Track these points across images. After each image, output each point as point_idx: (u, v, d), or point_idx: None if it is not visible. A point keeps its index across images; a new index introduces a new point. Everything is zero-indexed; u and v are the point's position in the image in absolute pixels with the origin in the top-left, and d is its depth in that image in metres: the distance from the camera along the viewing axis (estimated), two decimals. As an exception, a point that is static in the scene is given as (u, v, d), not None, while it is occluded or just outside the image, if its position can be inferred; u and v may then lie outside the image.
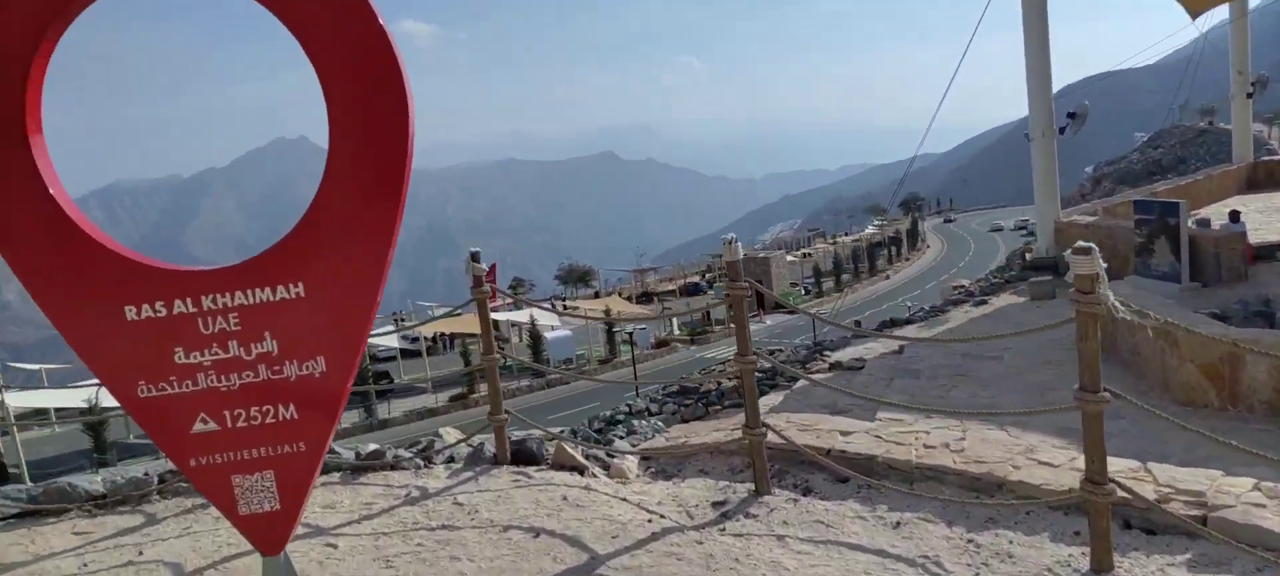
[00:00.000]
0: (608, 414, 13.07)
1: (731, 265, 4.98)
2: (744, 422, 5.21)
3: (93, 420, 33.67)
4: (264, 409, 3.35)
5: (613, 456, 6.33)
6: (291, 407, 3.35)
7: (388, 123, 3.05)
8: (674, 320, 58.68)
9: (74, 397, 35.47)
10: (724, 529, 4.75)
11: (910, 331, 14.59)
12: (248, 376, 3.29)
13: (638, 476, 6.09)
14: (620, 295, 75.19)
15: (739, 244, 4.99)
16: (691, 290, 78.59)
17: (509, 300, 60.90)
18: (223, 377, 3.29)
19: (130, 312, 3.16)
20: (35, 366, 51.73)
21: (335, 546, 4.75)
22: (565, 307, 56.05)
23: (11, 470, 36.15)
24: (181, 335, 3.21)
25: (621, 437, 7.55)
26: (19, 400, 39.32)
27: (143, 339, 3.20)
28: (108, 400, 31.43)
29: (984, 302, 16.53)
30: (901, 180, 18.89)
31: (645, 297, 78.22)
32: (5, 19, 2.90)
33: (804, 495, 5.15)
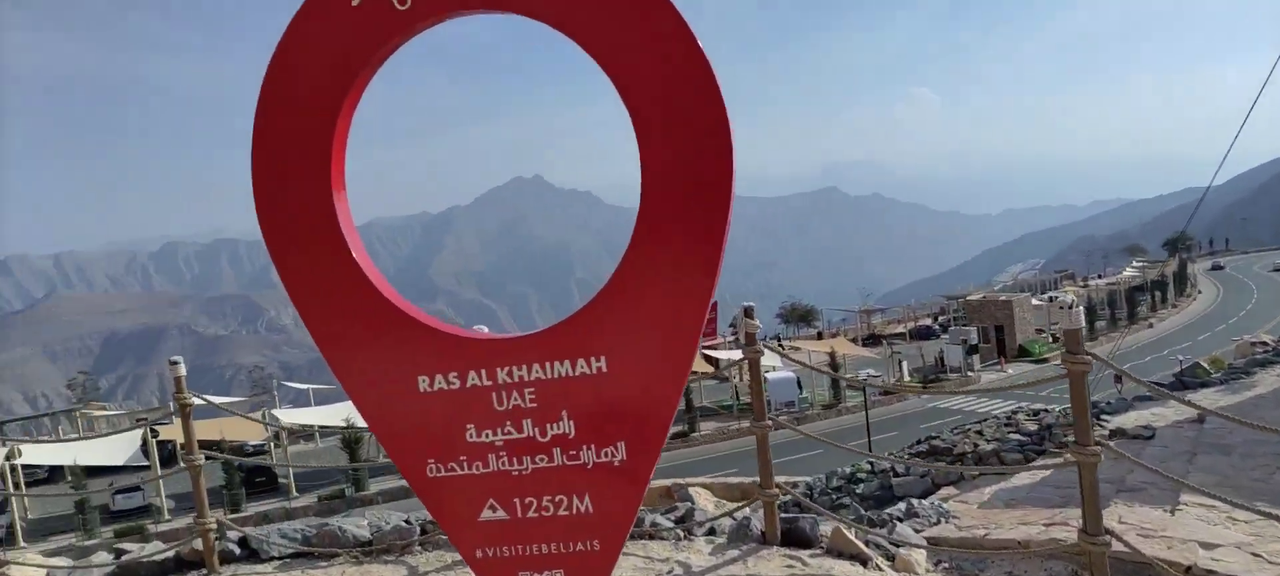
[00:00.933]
0: (848, 470, 12.12)
1: (1071, 333, 4.11)
2: (1081, 527, 4.28)
3: (349, 437, 36.77)
4: (557, 498, 2.96)
5: (897, 546, 5.55)
6: (587, 499, 2.94)
7: (709, 175, 2.59)
8: (903, 364, 55.72)
9: (335, 415, 38.83)
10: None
11: (1206, 395, 12.52)
12: (541, 460, 2.92)
13: (928, 571, 5.28)
14: (845, 337, 72.76)
15: (1079, 310, 4.11)
16: (922, 333, 74.57)
17: (730, 339, 60.75)
18: (515, 460, 2.94)
19: (423, 383, 2.89)
20: (304, 386, 57.23)
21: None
22: (782, 346, 54.89)
23: (280, 480, 40.24)
24: (474, 410, 2.90)
25: (900, 519, 6.70)
26: (289, 416, 43.65)
27: (435, 413, 2.92)
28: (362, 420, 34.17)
29: (1302, 363, 14.00)
30: (1193, 211, 16.47)
31: (872, 340, 75.15)
32: (309, 68, 2.73)
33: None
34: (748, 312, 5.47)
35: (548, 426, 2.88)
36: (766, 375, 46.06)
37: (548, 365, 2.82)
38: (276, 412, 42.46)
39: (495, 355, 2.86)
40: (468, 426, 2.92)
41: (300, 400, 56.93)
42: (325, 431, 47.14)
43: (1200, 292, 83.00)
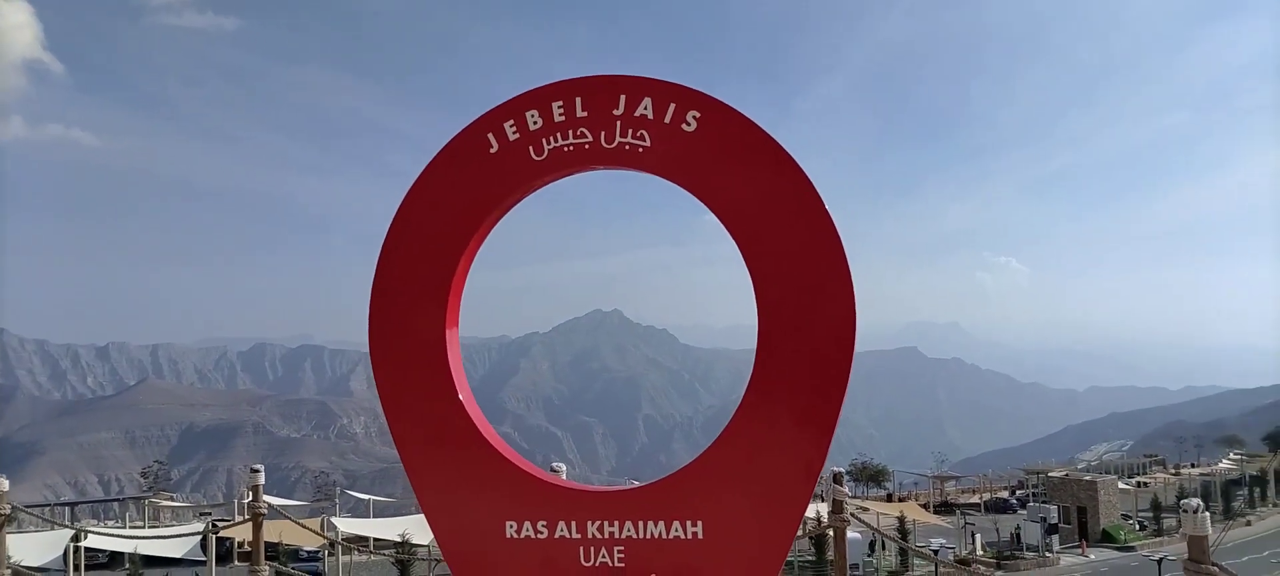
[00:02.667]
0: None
1: (1196, 541, 3.81)
2: None
3: (403, 556, 36.35)
4: (638, 667, 2.79)
5: None
6: (668, 672, 2.76)
7: (830, 341, 2.51)
8: (977, 537, 52.98)
9: (392, 529, 38.55)
10: None
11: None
12: (624, 624, 2.77)
13: None
14: (916, 501, 69.89)
15: (1207, 518, 3.81)
16: (999, 506, 71.14)
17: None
18: (597, 621, 2.80)
19: (511, 529, 2.81)
20: (366, 496, 57.32)
21: None
22: (860, 508, 53.01)
23: (334, 591, 39.82)
24: (559, 564, 2.79)
25: None
26: (346, 525, 43.60)
27: (519, 561, 2.82)
28: (420, 537, 33.77)
29: None
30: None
31: (945, 508, 71.96)
32: (442, 206, 2.79)
33: None
34: (837, 480, 5.28)
35: (635, 589, 2.74)
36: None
37: (641, 524, 2.70)
38: (335, 520, 42.51)
39: (587, 507, 2.76)
40: (552, 580, 2.80)
41: (360, 510, 57.02)
42: (381, 544, 46.84)
43: (1306, 493, 77.57)
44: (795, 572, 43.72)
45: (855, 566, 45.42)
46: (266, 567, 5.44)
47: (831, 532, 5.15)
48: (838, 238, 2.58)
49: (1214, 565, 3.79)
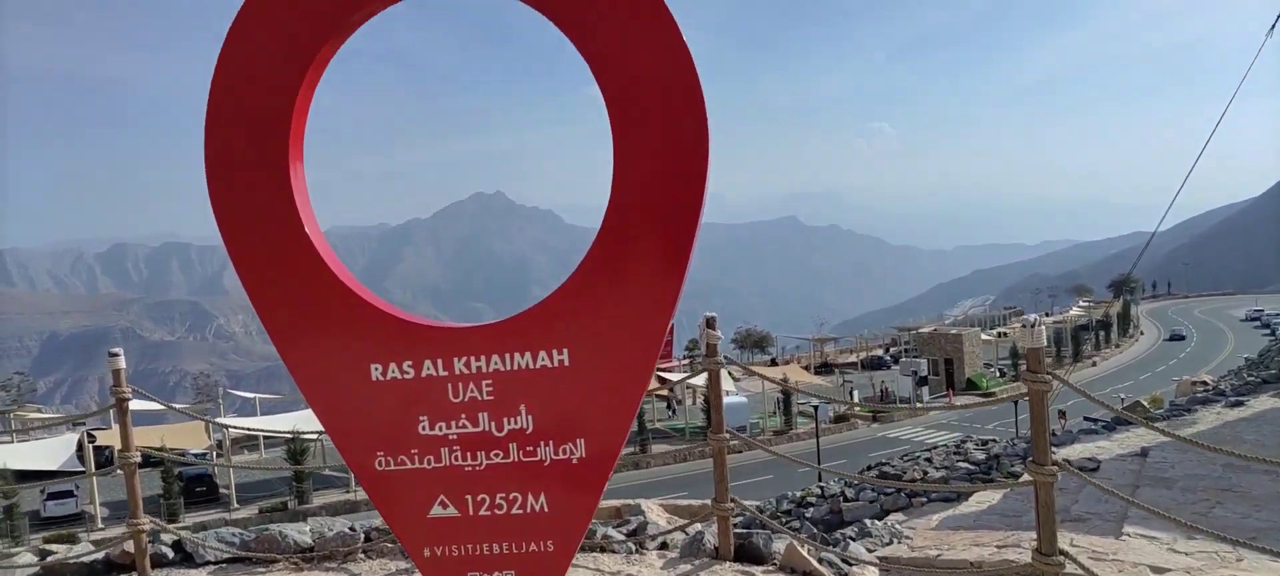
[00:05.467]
0: (798, 494, 12.13)
1: (1033, 353, 4.12)
2: (1035, 548, 4.27)
3: (295, 448, 35.91)
4: (511, 496, 2.85)
5: (850, 564, 5.51)
6: (542, 498, 2.83)
7: (683, 165, 2.53)
8: (855, 394, 56.22)
9: (281, 425, 37.89)
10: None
11: (1148, 433, 12.77)
12: (496, 456, 2.81)
13: (881, 588, 5.23)
14: (798, 364, 73.18)
15: (1042, 329, 4.12)
16: (874, 364, 75.37)
17: (685, 362, 60.81)
18: (469, 456, 2.82)
19: (376, 371, 2.77)
20: (251, 394, 55.87)
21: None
22: (745, 372, 55.16)
23: (222, 490, 39.17)
24: (428, 401, 2.78)
25: (853, 539, 6.67)
26: (234, 425, 42.61)
27: (386, 403, 2.79)
28: (308, 427, 33.38)
29: (1239, 403, 14.35)
30: (1139, 255, 16.86)
31: (825, 368, 75.71)
32: (275, 30, 2.61)
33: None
34: (710, 323, 5.40)
35: (505, 420, 2.77)
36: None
37: (507, 356, 2.72)
38: (220, 419, 41.40)
39: (452, 344, 2.75)
40: (421, 418, 2.80)
41: (246, 409, 55.57)
42: (270, 441, 46.04)
43: (1142, 334, 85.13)
44: (687, 437, 45.53)
45: (742, 428, 47.56)
46: (135, 453, 5.24)
47: (707, 375, 5.32)
48: (684, 47, 2.56)
49: (1048, 372, 4.09)
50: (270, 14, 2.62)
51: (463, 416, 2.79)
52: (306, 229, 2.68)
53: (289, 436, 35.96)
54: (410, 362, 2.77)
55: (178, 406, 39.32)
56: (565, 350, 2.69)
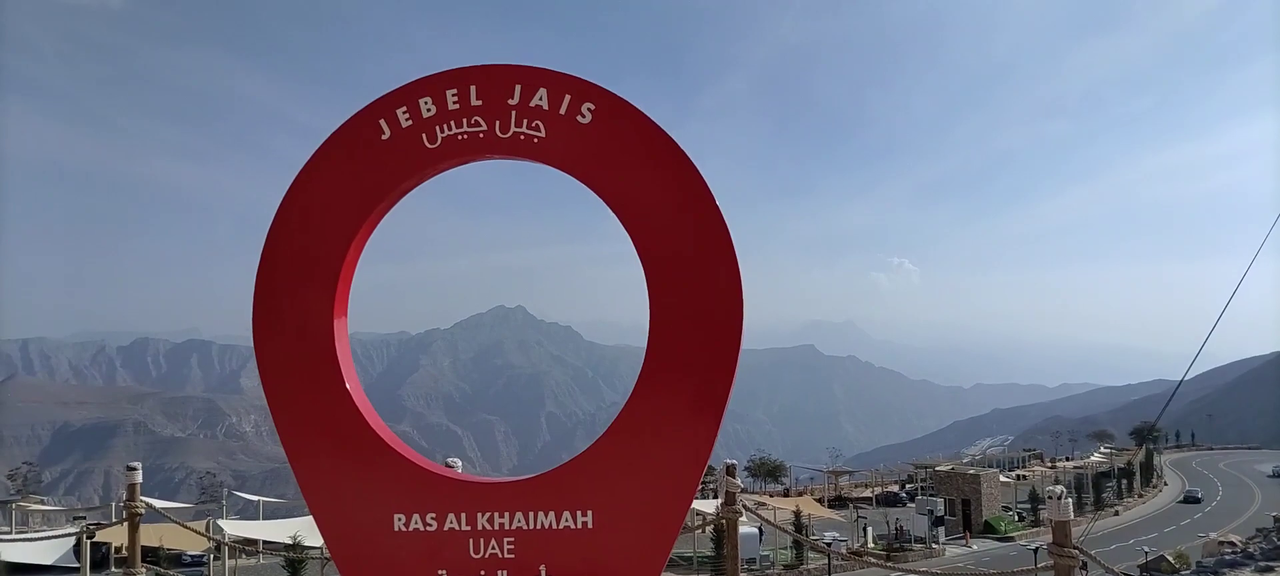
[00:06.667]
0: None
1: (1060, 525, 4.04)
2: None
3: (294, 557, 35.14)
4: (526, 658, 2.78)
5: None
6: (557, 662, 2.77)
7: (719, 332, 2.57)
8: (868, 530, 54.83)
9: (282, 531, 37.24)
10: None
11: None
12: (514, 617, 2.76)
13: None
14: (812, 496, 71.76)
15: (1069, 502, 4.06)
16: (889, 500, 73.78)
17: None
18: (486, 614, 2.77)
19: (399, 522, 2.77)
20: (255, 497, 55.16)
21: None
22: (757, 503, 54.05)
23: (222, 595, 38.26)
24: (448, 556, 2.76)
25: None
26: (234, 527, 41.90)
27: (407, 555, 2.77)
28: (311, 539, 32.76)
29: (1269, 569, 13.94)
30: (1166, 403, 16.63)
31: (838, 502, 74.13)
32: (332, 192, 2.73)
33: None
34: (729, 471, 5.36)
35: (525, 580, 2.73)
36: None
37: (531, 515, 2.71)
38: (222, 522, 40.85)
39: (477, 499, 2.75)
40: (439, 572, 2.78)
41: (249, 512, 54.82)
42: (270, 548, 45.17)
43: (1166, 484, 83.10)
44: (695, 567, 44.33)
45: (752, 561, 46.37)
46: (143, 570, 5.17)
47: (725, 524, 5.25)
48: (727, 231, 2.65)
49: (1075, 548, 4.01)
50: (328, 177, 2.74)
51: (482, 572, 2.76)
52: (347, 384, 2.73)
53: (288, 544, 35.32)
54: (434, 515, 2.77)
55: (177, 506, 38.92)
56: (590, 512, 2.68)
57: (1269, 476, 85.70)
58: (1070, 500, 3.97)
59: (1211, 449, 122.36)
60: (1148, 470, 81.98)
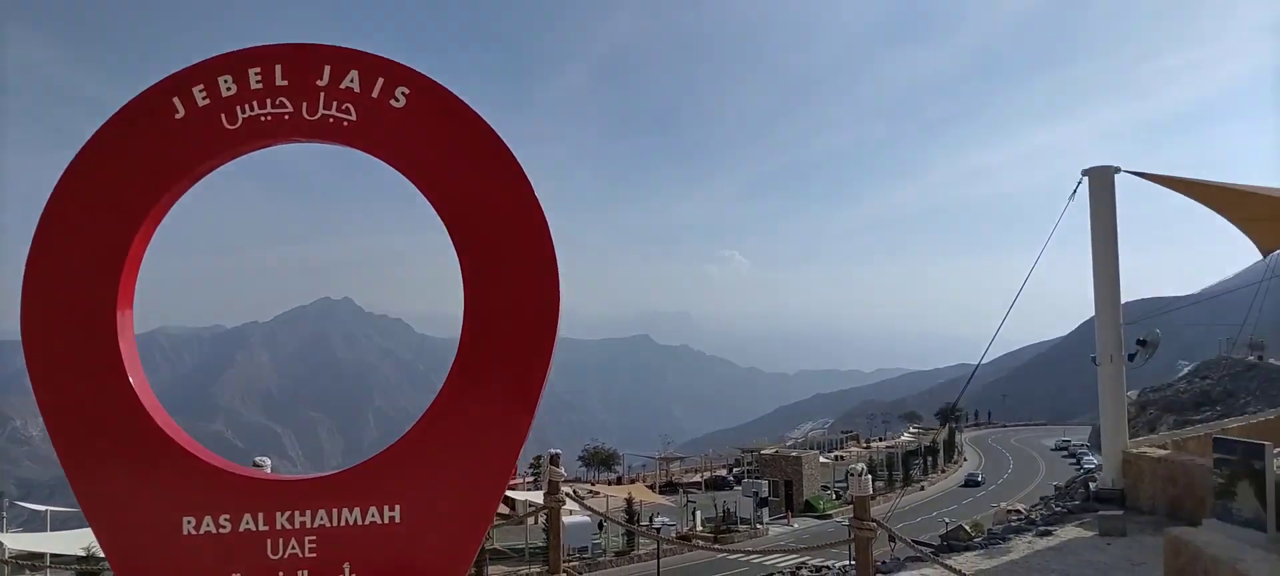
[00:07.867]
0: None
1: (860, 500, 4.33)
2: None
3: (87, 570, 32.39)
4: (330, 661, 2.68)
5: None
6: (363, 663, 2.68)
7: (534, 321, 2.57)
8: (697, 514, 56.52)
9: (73, 543, 34.22)
10: None
11: (968, 558, 13.51)
12: (315, 620, 2.65)
13: None
14: (644, 482, 73.17)
15: (868, 478, 4.35)
16: (718, 483, 76.34)
17: (529, 480, 59.58)
18: (285, 619, 2.65)
19: (188, 525, 2.59)
20: (41, 507, 50.48)
21: None
22: (579, 491, 54.46)
23: (5, 616, 34.65)
24: (243, 559, 2.61)
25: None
26: (17, 541, 38.14)
27: (198, 561, 2.60)
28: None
29: (1048, 533, 15.44)
30: (964, 385, 18.06)
31: (669, 487, 76.00)
32: (117, 174, 2.53)
33: None
34: (554, 460, 5.38)
35: (327, 581, 2.63)
36: (564, 518, 45.43)
37: (335, 512, 2.60)
38: (2, 537, 37.04)
39: (276, 497, 2.62)
40: (234, 575, 2.62)
41: (35, 524, 49.87)
42: (60, 561, 41.35)
43: (966, 459, 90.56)
44: (527, 558, 44.22)
45: (584, 549, 46.76)
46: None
47: (548, 513, 5.26)
48: (544, 221, 2.64)
49: (872, 520, 4.29)
50: (113, 157, 2.53)
51: (280, 574, 2.64)
52: (132, 380, 2.53)
53: (81, 557, 32.52)
54: (228, 516, 2.61)
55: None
56: (398, 506, 2.61)
57: (1052, 449, 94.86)
58: (870, 477, 4.25)
59: (1005, 426, 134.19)
60: (950, 447, 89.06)
